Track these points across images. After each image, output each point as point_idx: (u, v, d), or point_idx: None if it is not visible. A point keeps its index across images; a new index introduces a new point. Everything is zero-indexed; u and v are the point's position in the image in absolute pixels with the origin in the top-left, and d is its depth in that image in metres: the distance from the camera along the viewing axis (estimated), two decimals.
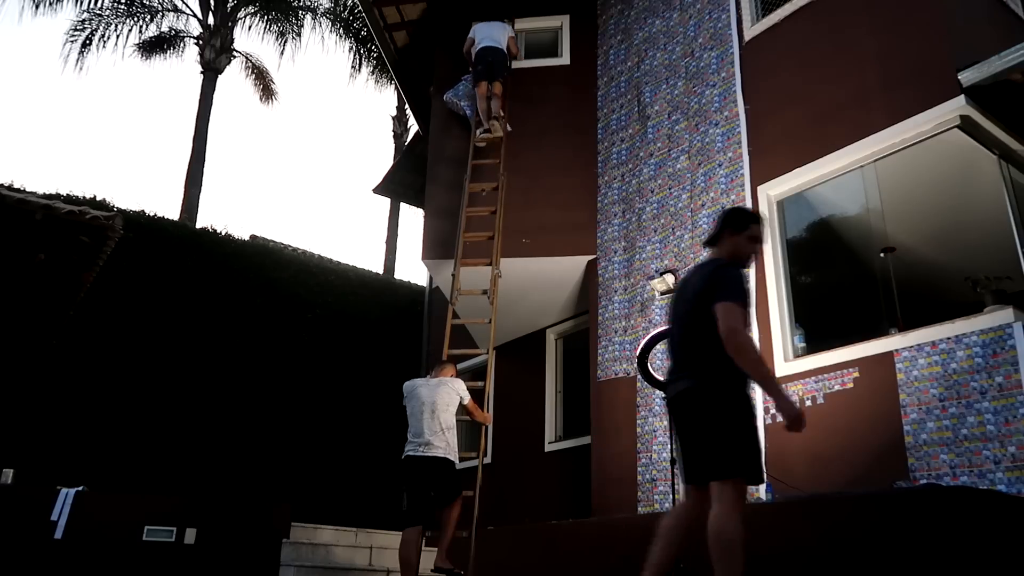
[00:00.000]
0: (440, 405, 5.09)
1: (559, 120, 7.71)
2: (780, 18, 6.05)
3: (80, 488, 5.41)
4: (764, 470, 3.13)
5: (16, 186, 8.23)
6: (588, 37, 7.96)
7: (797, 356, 5.24)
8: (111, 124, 49.06)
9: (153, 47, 15.93)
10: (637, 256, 6.64)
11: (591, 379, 6.78)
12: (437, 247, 7.40)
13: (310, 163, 49.04)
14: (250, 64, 16.84)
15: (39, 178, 45.34)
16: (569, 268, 7.27)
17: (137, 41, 15.68)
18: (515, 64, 7.91)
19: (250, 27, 16.54)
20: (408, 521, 5.00)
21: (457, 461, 5.14)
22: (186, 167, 14.63)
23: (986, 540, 3.21)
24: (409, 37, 9.06)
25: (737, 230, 3.35)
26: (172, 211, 14.46)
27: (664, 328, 4.75)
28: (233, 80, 60.20)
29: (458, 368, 8.67)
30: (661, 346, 5.84)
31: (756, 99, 6.04)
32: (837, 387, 4.87)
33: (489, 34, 7.68)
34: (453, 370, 5.54)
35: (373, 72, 16.85)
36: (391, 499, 9.25)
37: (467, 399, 5.32)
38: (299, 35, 16.39)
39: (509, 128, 7.51)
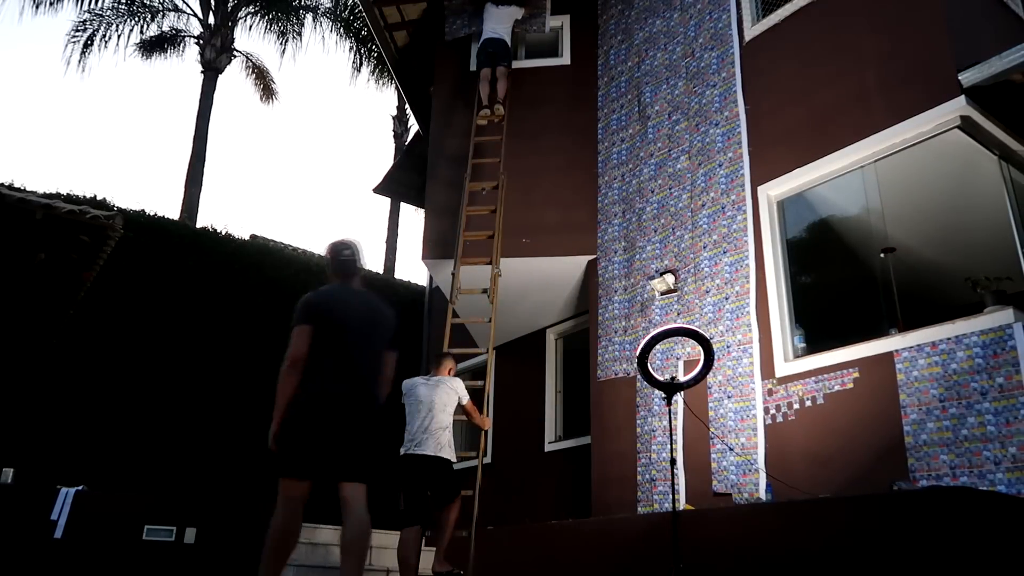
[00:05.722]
0: (438, 405, 5.08)
1: (559, 120, 7.71)
2: (780, 18, 6.05)
3: (80, 488, 5.42)
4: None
5: (16, 186, 8.23)
6: (588, 37, 7.96)
7: (797, 356, 5.24)
8: (111, 124, 49.11)
9: (154, 47, 15.94)
10: (637, 256, 6.64)
11: (591, 379, 6.78)
12: (437, 246, 7.40)
13: (310, 163, 49.09)
14: (250, 64, 16.85)
15: (39, 178, 45.37)
16: (569, 268, 7.27)
17: (138, 41, 15.72)
18: (515, 64, 7.91)
19: (250, 27, 16.58)
20: (406, 521, 5.01)
21: (455, 460, 5.14)
22: (186, 167, 14.65)
23: (986, 540, 3.21)
24: (409, 37, 9.06)
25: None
26: (172, 211, 14.47)
27: (665, 328, 4.75)
28: (233, 80, 60.37)
29: (458, 367, 8.73)
30: (661, 346, 5.85)
31: (756, 99, 6.04)
32: (837, 387, 4.87)
33: (493, 27, 7.80)
34: (452, 363, 5.52)
35: (373, 72, 16.85)
36: (390, 499, 9.25)
37: (466, 399, 5.32)
38: (299, 35, 16.42)
39: (503, 111, 7.54)
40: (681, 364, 5.86)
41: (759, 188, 5.77)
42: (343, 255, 3.75)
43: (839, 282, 5.94)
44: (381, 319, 3.70)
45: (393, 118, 17.90)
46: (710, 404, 5.56)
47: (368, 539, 3.46)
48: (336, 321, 3.57)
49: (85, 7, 14.88)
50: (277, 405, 3.44)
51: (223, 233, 10.13)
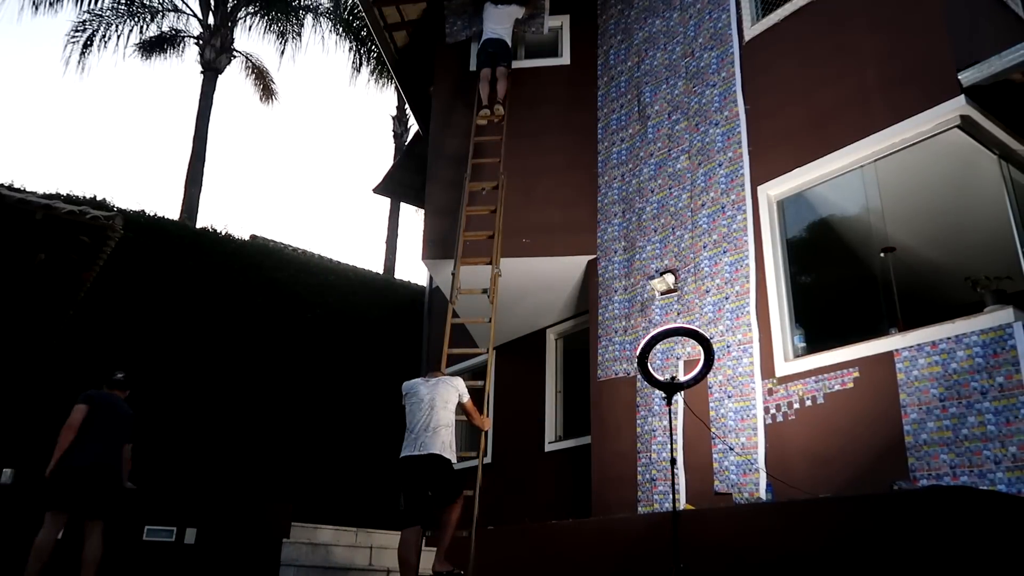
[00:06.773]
0: (439, 402, 5.08)
1: (559, 120, 7.71)
2: (780, 18, 6.05)
3: None
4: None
5: (16, 186, 8.23)
6: (588, 37, 7.96)
7: (797, 356, 5.24)
8: (111, 124, 49.10)
9: (153, 47, 15.95)
10: (637, 256, 6.64)
11: (591, 379, 6.78)
12: (437, 246, 7.40)
13: (310, 163, 49.08)
14: (250, 64, 16.86)
15: (39, 178, 45.38)
16: (569, 268, 7.27)
17: (137, 41, 15.73)
18: (515, 64, 7.92)
19: (250, 27, 16.59)
20: (407, 521, 4.99)
21: (455, 460, 5.13)
22: (186, 167, 14.66)
23: (986, 540, 3.21)
24: (409, 37, 9.07)
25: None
26: (172, 211, 14.49)
27: (665, 328, 4.75)
28: (233, 80, 60.36)
29: (458, 368, 8.75)
30: (661, 346, 5.85)
31: (756, 99, 6.04)
32: (837, 387, 4.87)
33: (493, 27, 7.84)
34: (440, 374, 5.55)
35: (373, 72, 16.86)
36: (391, 499, 9.25)
37: (466, 398, 5.31)
38: (299, 35, 16.44)
39: (503, 111, 7.54)
40: (681, 364, 5.86)
41: (759, 188, 5.77)
42: (116, 377, 5.75)
43: (839, 282, 5.94)
44: (125, 419, 5.53)
45: (393, 118, 17.91)
46: (710, 404, 5.56)
47: (99, 557, 5.00)
48: (98, 411, 5.38)
49: (85, 7, 14.90)
50: (54, 454, 5.13)
51: (223, 233, 10.14)
